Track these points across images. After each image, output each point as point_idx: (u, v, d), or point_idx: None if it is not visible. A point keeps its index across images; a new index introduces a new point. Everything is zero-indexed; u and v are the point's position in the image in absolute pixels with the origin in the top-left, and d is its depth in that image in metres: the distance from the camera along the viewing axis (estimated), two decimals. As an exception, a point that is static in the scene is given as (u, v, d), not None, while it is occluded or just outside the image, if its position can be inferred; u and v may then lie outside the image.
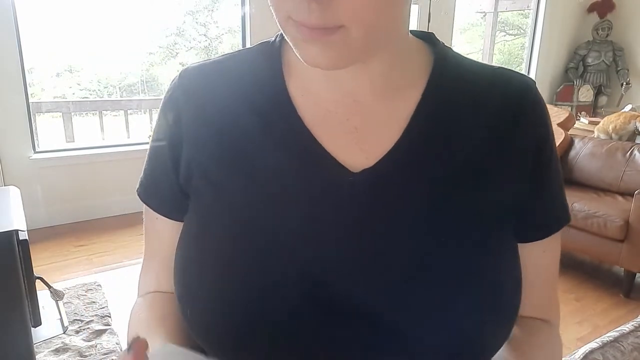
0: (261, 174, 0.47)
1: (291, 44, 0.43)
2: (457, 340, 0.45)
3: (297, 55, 0.42)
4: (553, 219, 0.54)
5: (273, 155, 0.47)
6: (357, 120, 0.48)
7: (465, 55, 0.54)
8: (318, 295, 0.44)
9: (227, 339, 0.46)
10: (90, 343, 1.97)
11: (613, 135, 3.46)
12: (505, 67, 0.54)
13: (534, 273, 0.53)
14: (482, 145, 0.48)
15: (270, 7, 0.42)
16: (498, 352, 0.49)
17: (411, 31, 0.51)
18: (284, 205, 0.46)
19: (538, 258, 0.54)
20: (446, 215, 0.46)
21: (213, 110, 0.50)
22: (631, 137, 3.46)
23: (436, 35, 0.54)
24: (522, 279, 0.51)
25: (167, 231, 0.55)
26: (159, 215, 0.55)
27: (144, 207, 0.56)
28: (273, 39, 0.53)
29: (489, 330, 0.47)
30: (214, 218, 0.48)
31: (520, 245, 0.51)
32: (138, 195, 0.56)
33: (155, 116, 0.56)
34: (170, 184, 0.52)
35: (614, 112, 3.71)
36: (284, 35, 0.44)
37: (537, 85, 0.52)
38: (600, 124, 3.67)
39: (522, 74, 0.53)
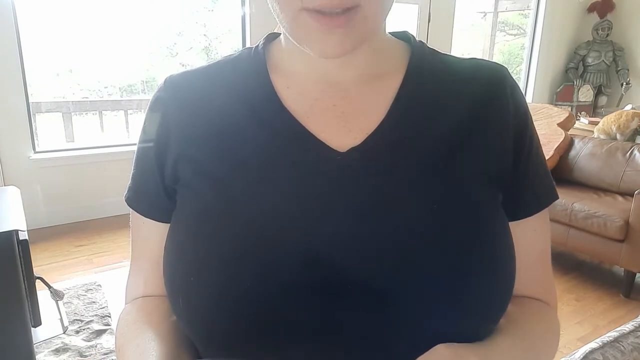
0: (255, 164, 0.49)
1: (301, 40, 0.45)
2: (460, 310, 0.45)
3: (308, 48, 0.45)
4: (540, 195, 0.56)
5: (264, 145, 0.49)
6: (343, 105, 0.51)
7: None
8: (318, 271, 0.45)
9: (222, 325, 0.46)
10: (90, 343, 1.97)
11: (618, 135, 3.45)
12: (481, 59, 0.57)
13: (527, 253, 0.55)
14: (462, 124, 0.51)
15: (275, 5, 0.44)
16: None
17: (389, 32, 0.55)
18: (278, 190, 0.48)
19: (530, 238, 0.56)
20: (432, 186, 0.48)
21: (202, 108, 0.52)
22: (633, 136, 3.45)
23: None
24: (516, 258, 0.52)
25: (154, 234, 0.55)
26: (146, 219, 0.56)
27: (130, 213, 0.57)
28: (255, 45, 0.56)
29: (490, 299, 0.48)
30: (213, 208, 0.49)
31: (512, 225, 0.53)
32: (126, 201, 0.57)
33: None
34: (156, 185, 0.54)
35: (613, 112, 3.70)
36: (289, 33, 0.46)
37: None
38: (600, 124, 3.65)
39: (494, 62, 0.56)
